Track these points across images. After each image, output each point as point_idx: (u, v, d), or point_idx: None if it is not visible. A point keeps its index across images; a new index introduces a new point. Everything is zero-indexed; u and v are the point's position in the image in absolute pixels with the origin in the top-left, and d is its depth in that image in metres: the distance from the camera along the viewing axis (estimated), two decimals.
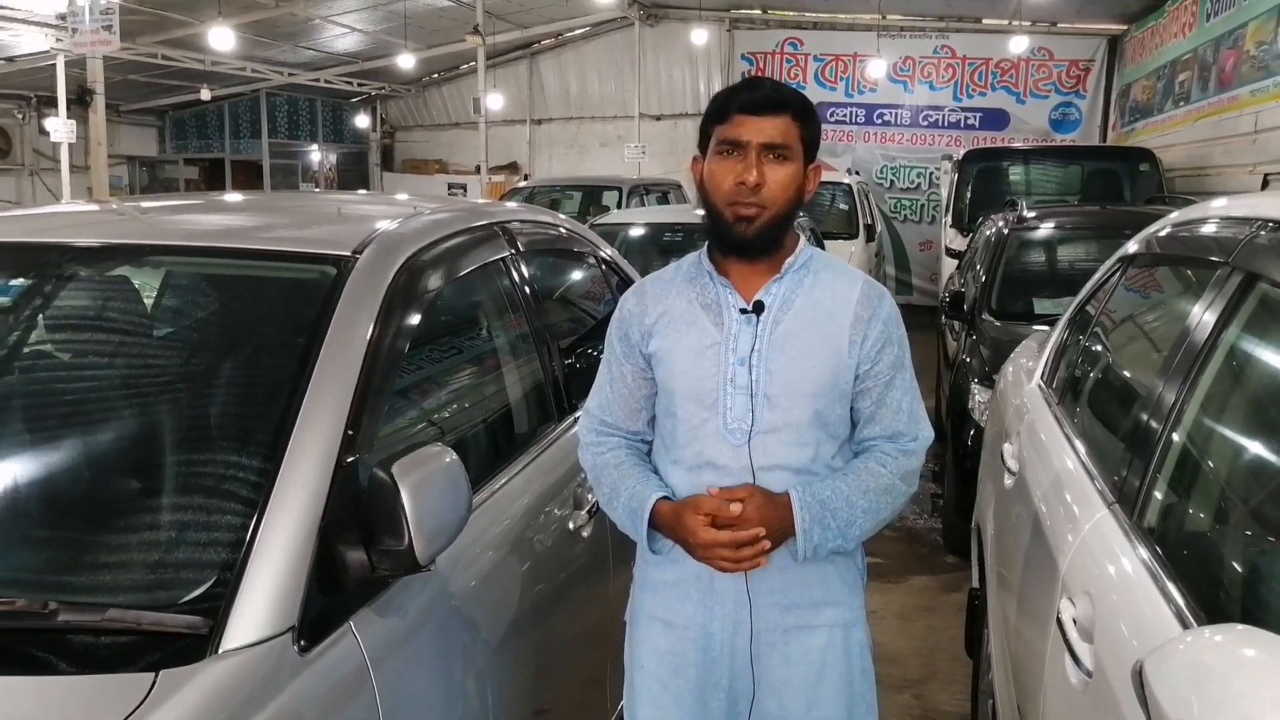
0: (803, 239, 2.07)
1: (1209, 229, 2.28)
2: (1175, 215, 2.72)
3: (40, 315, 2.30)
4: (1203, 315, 1.94)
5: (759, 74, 16.84)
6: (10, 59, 15.05)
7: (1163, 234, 2.69)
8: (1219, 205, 2.41)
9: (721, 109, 1.97)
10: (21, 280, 2.32)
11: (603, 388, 2.15)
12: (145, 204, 2.90)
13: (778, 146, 1.93)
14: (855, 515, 1.96)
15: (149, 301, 2.31)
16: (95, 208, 2.92)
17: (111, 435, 1.99)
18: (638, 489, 2.03)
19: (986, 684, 3.12)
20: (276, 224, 2.64)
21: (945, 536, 5.74)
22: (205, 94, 18.07)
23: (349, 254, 2.15)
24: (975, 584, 3.65)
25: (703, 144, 2.02)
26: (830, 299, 2.01)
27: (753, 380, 1.97)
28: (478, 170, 16.90)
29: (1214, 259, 2.04)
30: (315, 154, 22.18)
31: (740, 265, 2.01)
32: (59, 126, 13.12)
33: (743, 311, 1.99)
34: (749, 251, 1.98)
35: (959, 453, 5.39)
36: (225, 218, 2.78)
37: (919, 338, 13.06)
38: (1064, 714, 1.84)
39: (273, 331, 2.12)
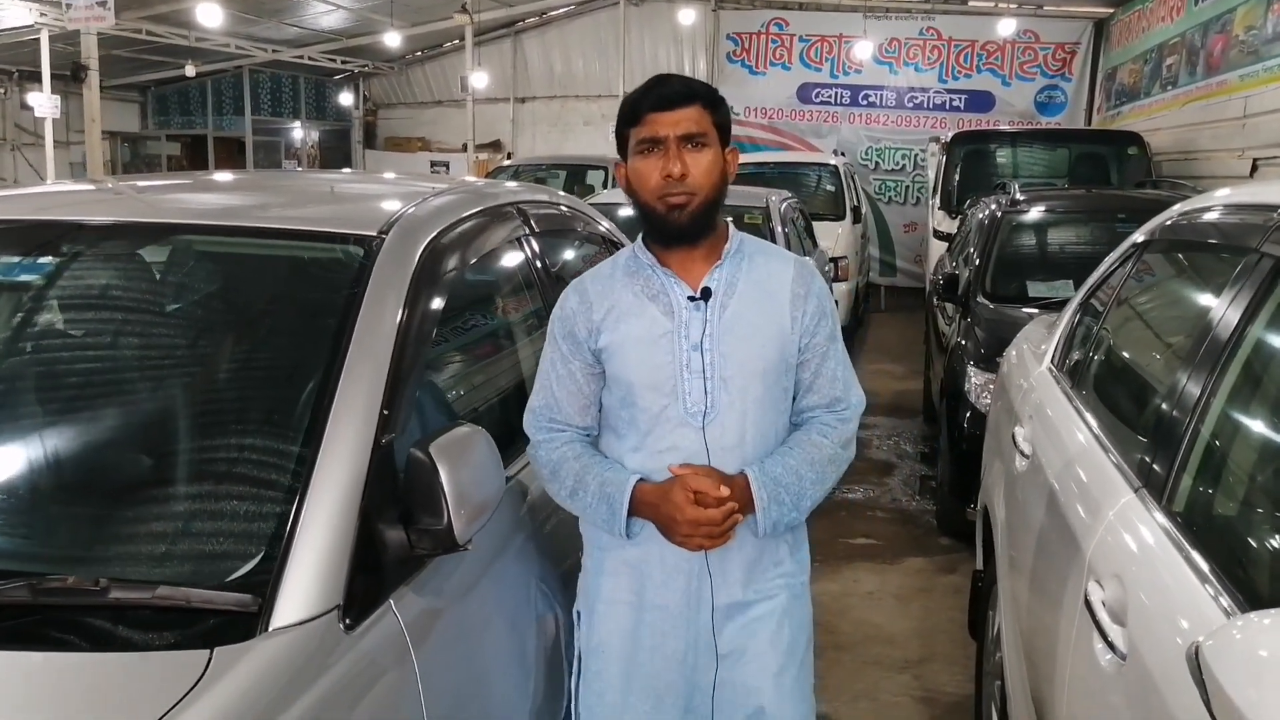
0: (731, 226, 2.15)
1: (1233, 215, 2.30)
2: (1188, 203, 2.75)
3: (75, 296, 2.30)
4: (1230, 301, 1.96)
5: (744, 54, 16.82)
6: None
7: (1179, 220, 2.71)
8: (1238, 192, 2.43)
9: (634, 110, 2.04)
10: (51, 259, 2.31)
11: (548, 387, 2.16)
12: (164, 182, 2.89)
13: (694, 136, 2.01)
14: (805, 488, 2.07)
15: (186, 282, 2.31)
16: (118, 186, 2.90)
17: (158, 417, 1.99)
18: (608, 475, 2.07)
19: (993, 665, 3.15)
20: (300, 204, 2.63)
21: (939, 519, 5.78)
22: (190, 70, 17.86)
23: (375, 234, 2.15)
24: (979, 566, 3.69)
25: (621, 148, 2.09)
26: (769, 279, 2.11)
27: (706, 364, 2.04)
28: (464, 148, 16.83)
29: (1241, 245, 2.06)
30: (298, 131, 22.03)
31: (680, 255, 2.08)
32: (43, 102, 12.95)
33: (691, 299, 2.06)
34: (686, 237, 2.06)
35: (955, 435, 5.41)
36: (250, 197, 2.76)
37: (904, 319, 13.07)
38: (1093, 694, 1.86)
39: (306, 312, 2.12)
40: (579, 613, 2.21)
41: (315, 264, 2.24)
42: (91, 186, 3.00)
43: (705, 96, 2.04)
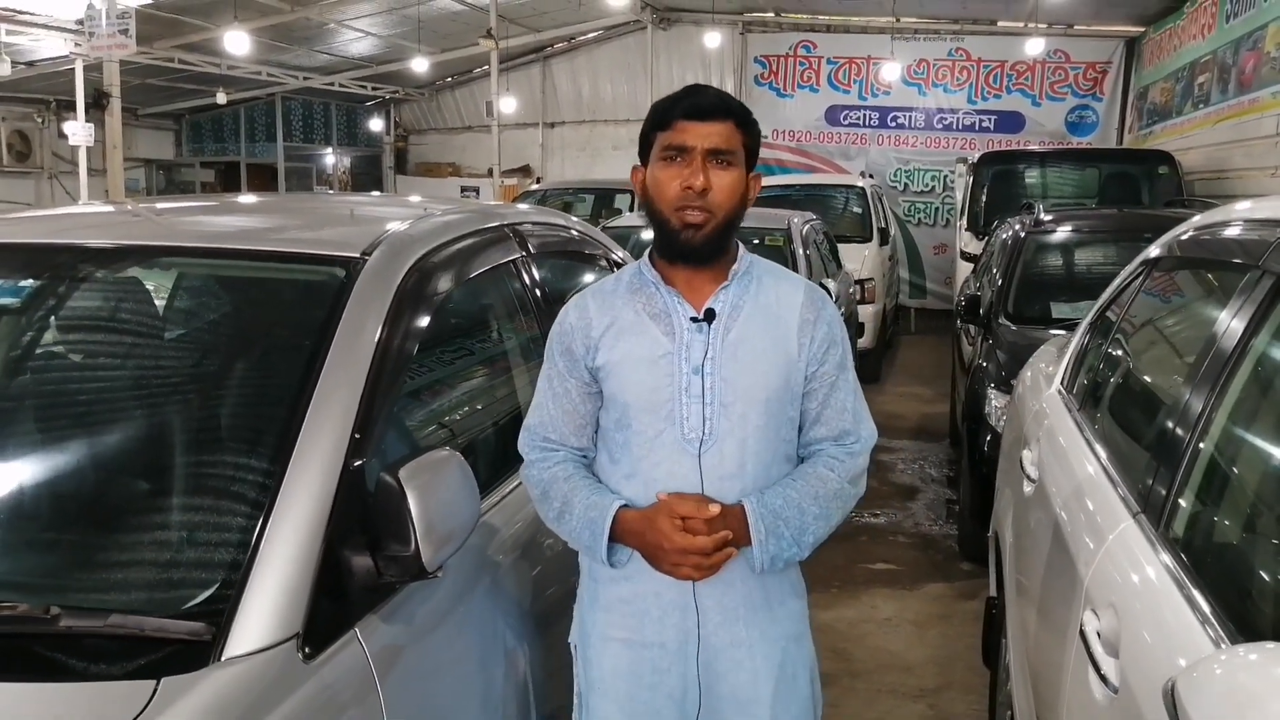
0: (742, 246, 2.07)
1: (1236, 231, 2.23)
2: (1198, 218, 2.67)
3: (50, 316, 2.29)
4: (1231, 319, 1.89)
5: (772, 77, 16.79)
6: (30, 64, 15.11)
7: (1187, 237, 2.64)
8: (1245, 207, 2.36)
9: (664, 115, 1.96)
10: (32, 281, 2.30)
11: (544, 405, 2.08)
12: (156, 205, 2.88)
13: (722, 152, 1.93)
14: (807, 522, 1.96)
15: (158, 303, 2.29)
16: (106, 209, 2.90)
17: (116, 438, 1.97)
18: (594, 499, 1.98)
19: (1005, 695, 3.07)
20: (285, 225, 2.61)
21: (960, 543, 5.67)
22: (221, 98, 18.10)
23: (358, 255, 2.12)
24: (993, 593, 3.61)
25: (644, 152, 2.02)
26: (776, 304, 2.02)
27: (707, 389, 1.95)
28: (490, 173, 16.90)
29: (1242, 262, 1.99)
30: (330, 157, 22.22)
31: (687, 273, 2.00)
32: (77, 130, 13.16)
33: (694, 320, 1.97)
34: (696, 259, 1.97)
35: (975, 458, 5.32)
36: (234, 219, 2.75)
37: (933, 342, 12.99)
38: None
39: (280, 333, 2.09)
40: (574, 645, 2.14)
41: (296, 286, 2.21)
42: (80, 210, 3.00)
43: (739, 114, 1.97)
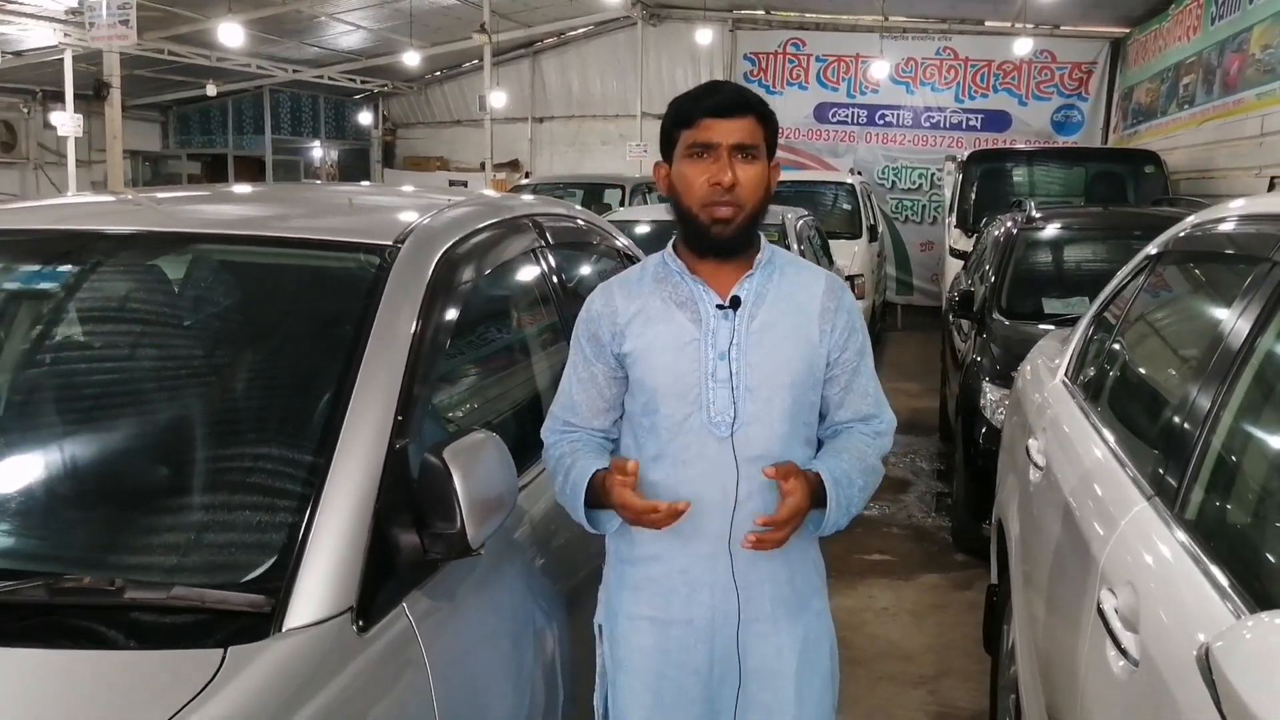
0: (764, 237, 2.14)
1: (1246, 226, 2.30)
2: (1198, 215, 2.75)
3: (91, 305, 2.33)
4: (1242, 310, 1.96)
5: (761, 74, 16.86)
6: (17, 53, 15.05)
7: (1190, 232, 2.71)
8: (1246, 204, 2.44)
9: (688, 114, 2.02)
10: (67, 268, 2.34)
11: (568, 391, 2.14)
12: (183, 193, 2.92)
13: (747, 147, 2.00)
14: (854, 494, 2.05)
15: (203, 292, 2.34)
16: (135, 197, 2.93)
17: (175, 422, 2.02)
18: (583, 464, 2.05)
19: (1008, 679, 3.14)
20: (316, 214, 2.66)
21: (955, 535, 5.75)
22: (211, 89, 18.06)
23: (391, 243, 2.17)
24: (994, 580, 3.68)
25: (665, 148, 2.08)
26: (798, 292, 2.09)
27: (733, 373, 2.01)
28: (481, 167, 16.92)
29: (1253, 255, 2.06)
30: (317, 150, 22.20)
31: (712, 265, 2.06)
32: (65, 121, 13.14)
33: (719, 307, 2.04)
34: (726, 251, 2.04)
35: (970, 451, 5.40)
36: (265, 208, 2.79)
37: (920, 338, 13.01)
38: (1107, 703, 1.86)
39: (322, 319, 2.14)
40: (600, 626, 2.18)
41: (331, 273, 2.26)
42: (109, 198, 3.03)
43: (759, 108, 2.03)
